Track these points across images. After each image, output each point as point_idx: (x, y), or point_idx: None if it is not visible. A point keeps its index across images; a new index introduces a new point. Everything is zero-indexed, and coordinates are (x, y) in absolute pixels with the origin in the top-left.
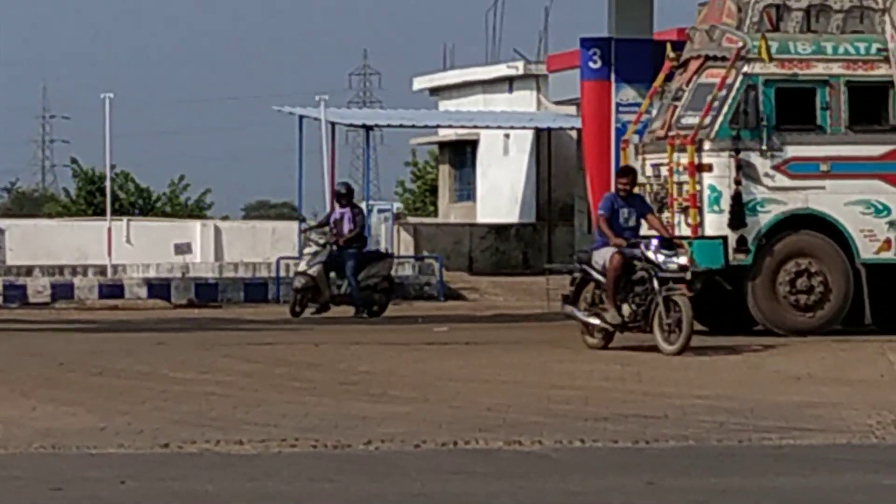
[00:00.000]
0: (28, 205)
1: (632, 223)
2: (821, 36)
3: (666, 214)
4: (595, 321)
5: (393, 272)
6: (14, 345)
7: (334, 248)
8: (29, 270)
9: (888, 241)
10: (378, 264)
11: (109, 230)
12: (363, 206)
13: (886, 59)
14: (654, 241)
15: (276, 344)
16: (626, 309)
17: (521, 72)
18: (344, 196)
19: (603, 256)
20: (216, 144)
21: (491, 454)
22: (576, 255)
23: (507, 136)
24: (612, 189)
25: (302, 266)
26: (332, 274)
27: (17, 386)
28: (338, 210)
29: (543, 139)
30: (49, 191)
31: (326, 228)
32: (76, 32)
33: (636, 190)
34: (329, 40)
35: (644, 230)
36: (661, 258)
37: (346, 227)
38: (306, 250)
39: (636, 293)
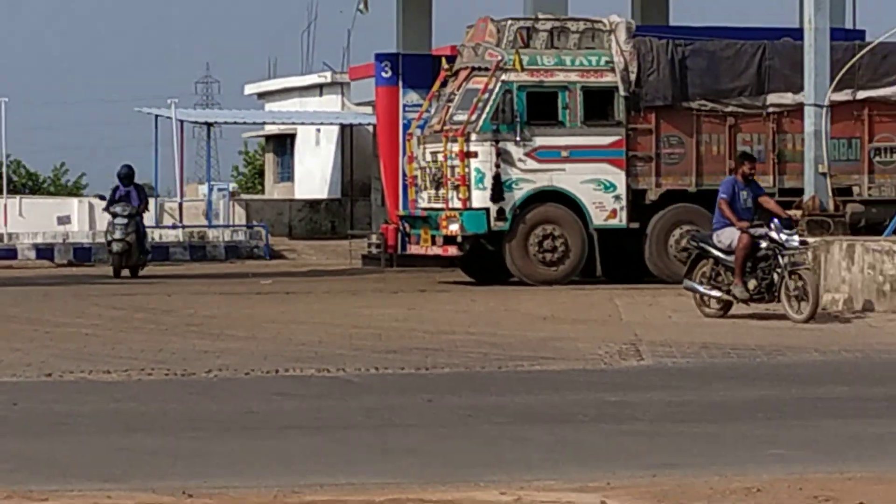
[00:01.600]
0: None
1: (749, 204)
2: (561, 51)
3: (442, 191)
4: (717, 294)
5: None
6: None
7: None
8: None
9: (614, 212)
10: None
11: (5, 206)
12: (208, 188)
13: (612, 69)
14: (775, 222)
15: (136, 294)
16: (751, 283)
17: (329, 80)
18: (125, 177)
19: (729, 237)
20: (89, 137)
21: (304, 380)
22: (690, 235)
23: (318, 130)
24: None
25: (118, 235)
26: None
27: None
28: (122, 188)
29: (347, 133)
30: None
31: (125, 203)
32: None
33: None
34: (178, 54)
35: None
36: (783, 237)
37: (135, 202)
38: (116, 221)
39: (760, 268)
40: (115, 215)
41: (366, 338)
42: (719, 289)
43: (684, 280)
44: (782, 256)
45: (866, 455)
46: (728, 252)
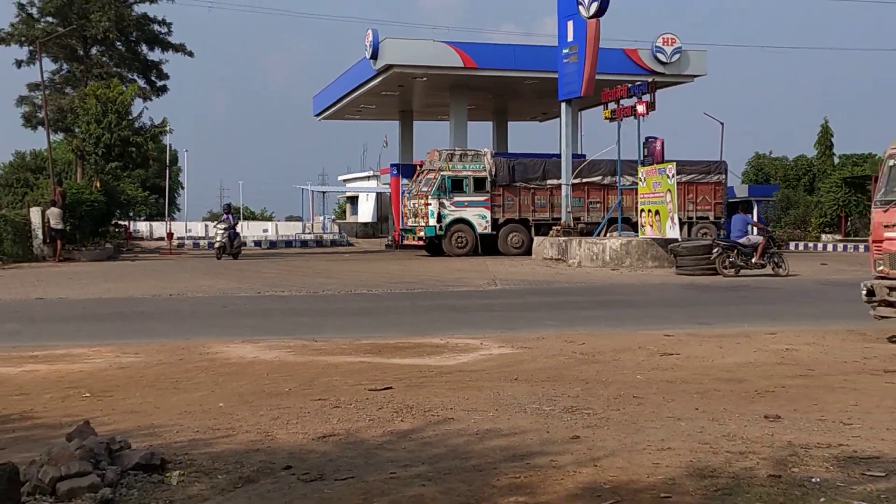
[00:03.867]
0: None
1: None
2: (464, 162)
3: (417, 219)
4: (741, 263)
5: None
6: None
7: (231, 230)
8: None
9: (486, 226)
10: (237, 237)
11: (241, 224)
12: (323, 217)
13: (485, 170)
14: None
15: (294, 260)
16: (762, 259)
17: (372, 174)
18: (227, 209)
19: (757, 239)
20: (274, 195)
21: (363, 294)
22: (717, 239)
23: (367, 195)
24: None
25: (219, 239)
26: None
27: (201, 274)
28: (225, 214)
29: (379, 196)
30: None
31: (225, 221)
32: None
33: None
34: (311, 165)
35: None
36: (778, 244)
37: (231, 221)
38: (219, 231)
39: (765, 253)
40: (217, 229)
41: (386, 277)
42: (741, 259)
43: (718, 258)
44: (776, 246)
45: (589, 325)
46: (746, 246)
